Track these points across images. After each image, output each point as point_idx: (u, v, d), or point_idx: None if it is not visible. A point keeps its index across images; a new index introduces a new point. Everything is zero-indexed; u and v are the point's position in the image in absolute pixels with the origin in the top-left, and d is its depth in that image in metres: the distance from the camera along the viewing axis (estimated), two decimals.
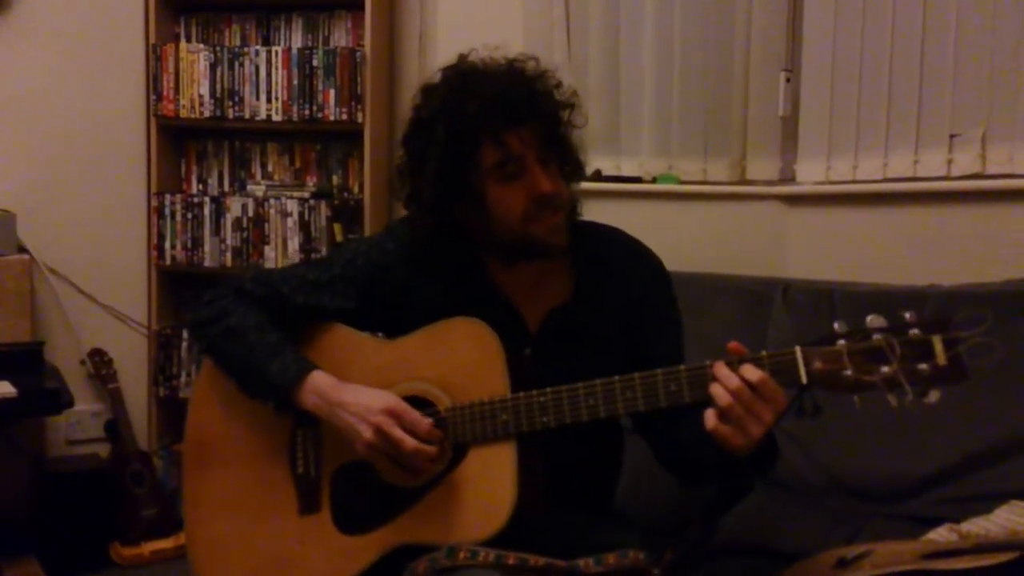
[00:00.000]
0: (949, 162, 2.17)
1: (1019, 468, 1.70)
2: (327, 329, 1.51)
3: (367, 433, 1.34)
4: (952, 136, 2.16)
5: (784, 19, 2.50)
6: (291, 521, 1.45)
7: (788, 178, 2.52)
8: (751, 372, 1.20)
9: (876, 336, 1.17)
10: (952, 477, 1.77)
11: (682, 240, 2.44)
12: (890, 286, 2.06)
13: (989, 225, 2.09)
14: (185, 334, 3.02)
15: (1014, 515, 1.52)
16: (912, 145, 2.23)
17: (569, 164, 1.46)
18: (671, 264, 1.57)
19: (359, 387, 1.39)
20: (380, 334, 1.54)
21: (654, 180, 2.68)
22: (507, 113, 1.36)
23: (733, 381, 1.20)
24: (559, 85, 1.44)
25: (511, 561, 1.25)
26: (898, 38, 2.24)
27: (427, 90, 1.44)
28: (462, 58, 1.44)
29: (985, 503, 1.60)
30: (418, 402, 1.39)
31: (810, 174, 2.42)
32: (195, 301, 3.04)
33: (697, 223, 2.58)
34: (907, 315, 1.17)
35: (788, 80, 2.50)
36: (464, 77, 1.41)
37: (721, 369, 1.22)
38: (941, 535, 1.52)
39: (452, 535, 1.31)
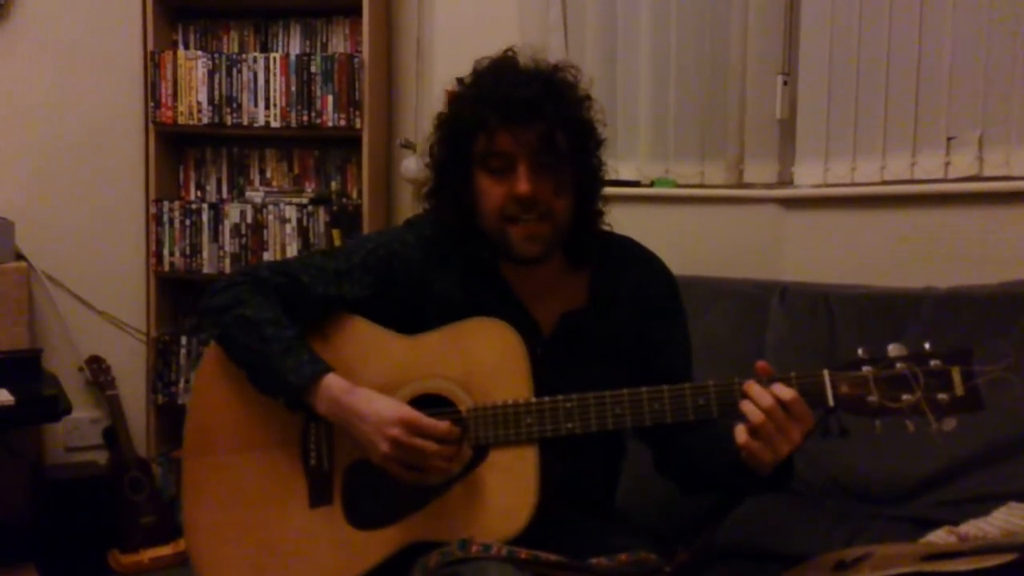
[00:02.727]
0: (946, 164, 2.17)
1: (1016, 470, 1.69)
2: (346, 322, 1.49)
3: (383, 446, 1.33)
4: (949, 138, 2.17)
5: (780, 22, 2.50)
6: (301, 513, 1.44)
7: (786, 181, 2.52)
8: (783, 391, 1.24)
9: (899, 364, 1.23)
10: (950, 479, 1.76)
11: (680, 243, 2.44)
12: (888, 289, 2.06)
13: (986, 227, 2.09)
14: (184, 341, 3.02)
15: (1012, 516, 1.52)
16: (909, 147, 2.23)
17: (580, 178, 1.45)
18: (669, 267, 1.58)
19: (371, 394, 1.38)
20: (395, 328, 1.51)
21: (651, 184, 2.69)
22: (502, 110, 1.37)
23: (766, 400, 1.24)
24: (586, 99, 1.46)
25: (523, 555, 1.25)
26: (895, 41, 2.24)
27: (460, 79, 1.48)
28: (504, 52, 1.46)
29: (983, 505, 1.60)
30: (438, 400, 1.38)
31: (808, 177, 2.42)
32: (193, 308, 3.07)
33: (695, 226, 2.58)
34: (927, 345, 1.24)
35: (785, 83, 2.50)
36: (487, 70, 1.44)
37: (753, 387, 1.26)
38: (940, 537, 1.52)
39: (469, 535, 1.30)
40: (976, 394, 1.20)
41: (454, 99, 1.45)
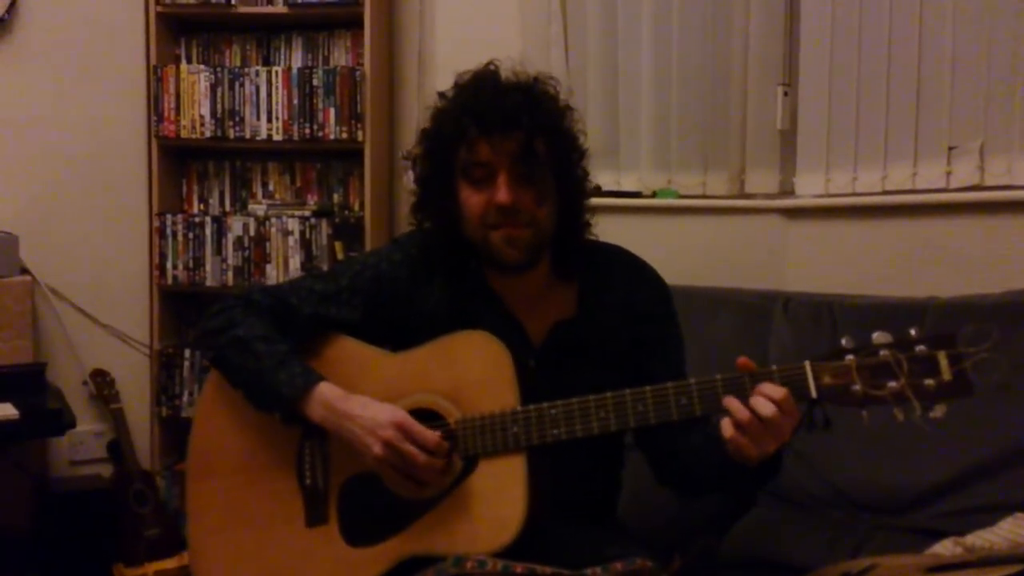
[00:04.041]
0: (948, 174, 2.17)
1: (1022, 479, 1.69)
2: (335, 341, 1.51)
3: (376, 447, 1.34)
4: (950, 148, 2.17)
5: (781, 33, 2.51)
6: (298, 533, 1.45)
7: (787, 191, 2.53)
8: (772, 390, 1.22)
9: (883, 352, 1.20)
10: (956, 489, 1.76)
11: (682, 254, 2.44)
12: (890, 298, 2.06)
13: (988, 236, 2.09)
14: (187, 353, 3.02)
15: (1018, 527, 1.51)
16: (911, 157, 2.23)
17: (561, 186, 1.46)
18: (671, 278, 1.58)
19: (366, 399, 1.40)
20: (386, 347, 1.54)
21: (653, 194, 2.69)
22: (482, 121, 1.39)
23: (757, 400, 1.22)
24: (565, 110, 1.47)
25: (519, 570, 1.25)
26: (895, 50, 2.25)
27: (440, 93, 1.51)
28: (485, 65, 1.48)
29: (989, 515, 1.60)
30: (427, 414, 1.39)
31: (809, 187, 2.42)
32: (197, 320, 3.07)
33: (697, 237, 2.58)
34: (912, 331, 1.20)
35: (786, 94, 2.51)
36: (467, 83, 1.46)
37: (742, 387, 1.25)
38: (946, 548, 1.52)
39: (462, 547, 1.31)
40: (964, 378, 1.16)
41: (435, 112, 1.48)
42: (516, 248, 1.42)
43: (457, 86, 1.47)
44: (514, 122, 1.39)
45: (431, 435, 1.34)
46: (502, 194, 1.39)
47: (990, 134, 2.10)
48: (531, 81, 1.45)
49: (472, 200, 1.42)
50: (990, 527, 1.55)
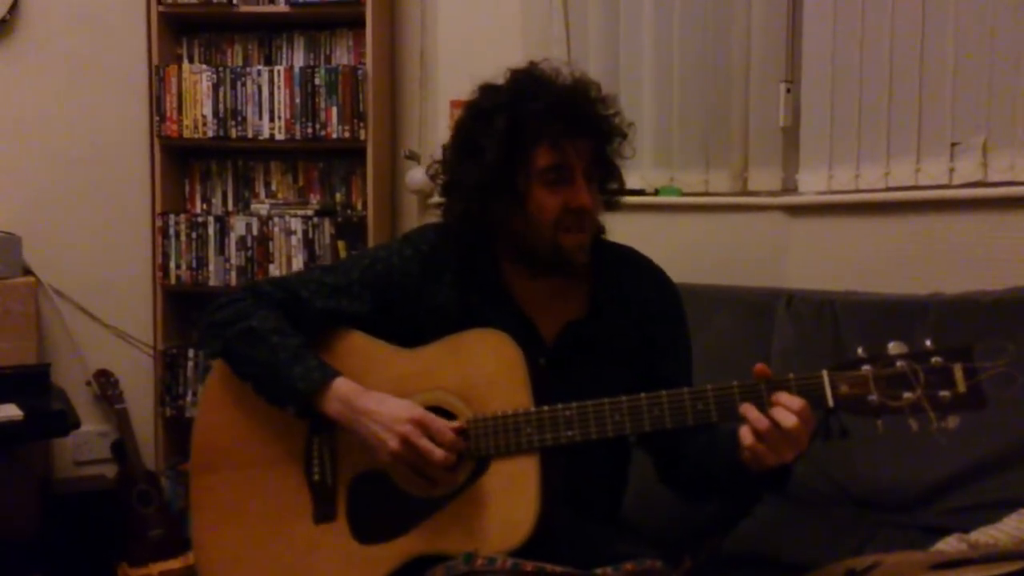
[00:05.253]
0: (951, 170, 2.16)
1: None
2: (345, 336, 1.50)
3: (393, 443, 1.34)
4: (953, 144, 2.16)
5: (783, 29, 2.50)
6: (306, 529, 1.45)
7: (790, 188, 2.52)
8: (791, 400, 1.23)
9: (899, 362, 1.21)
10: (960, 486, 1.76)
11: (685, 251, 2.44)
12: (893, 295, 2.06)
13: (991, 233, 2.08)
14: (191, 353, 3.02)
15: (1023, 523, 1.51)
16: (913, 153, 2.23)
17: (608, 189, 1.50)
18: (674, 276, 1.59)
19: (383, 395, 1.39)
20: (395, 342, 1.52)
21: (656, 192, 2.69)
22: (570, 121, 1.39)
23: (778, 410, 1.23)
24: (618, 113, 1.48)
25: (528, 568, 1.25)
26: (897, 46, 2.24)
27: (489, 86, 1.47)
28: (532, 64, 1.47)
29: (993, 512, 1.60)
30: (438, 412, 1.39)
31: (812, 184, 2.42)
32: (200, 320, 3.07)
33: (699, 234, 2.58)
34: (927, 342, 1.21)
35: (788, 90, 2.51)
36: (535, 79, 1.45)
37: (751, 410, 1.25)
38: (950, 545, 1.51)
39: (472, 547, 1.30)
40: (979, 391, 1.18)
41: (507, 109, 1.42)
42: (583, 253, 1.45)
43: (518, 82, 1.45)
44: (596, 125, 1.42)
45: (449, 431, 1.34)
46: (584, 197, 1.41)
47: (993, 130, 2.09)
48: (586, 83, 1.45)
49: (548, 202, 1.41)
50: (994, 524, 1.55)
